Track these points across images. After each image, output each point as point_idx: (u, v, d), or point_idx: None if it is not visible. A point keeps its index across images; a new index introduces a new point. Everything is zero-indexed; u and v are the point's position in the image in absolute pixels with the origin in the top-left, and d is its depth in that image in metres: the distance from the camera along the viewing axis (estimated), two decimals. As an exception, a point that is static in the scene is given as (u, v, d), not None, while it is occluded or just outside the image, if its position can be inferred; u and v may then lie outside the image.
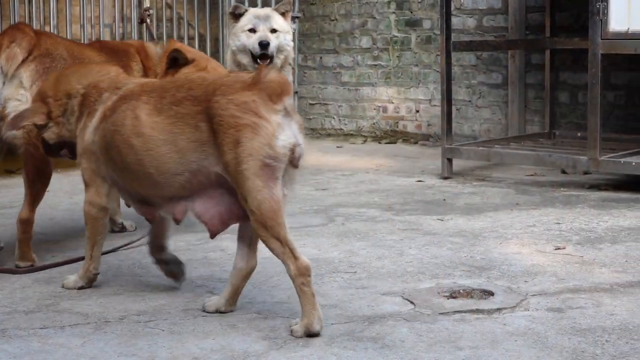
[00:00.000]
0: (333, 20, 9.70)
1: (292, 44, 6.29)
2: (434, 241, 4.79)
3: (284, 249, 3.32)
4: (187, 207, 3.60)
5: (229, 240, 4.82)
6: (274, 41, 6.10)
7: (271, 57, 6.15)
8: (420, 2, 9.04)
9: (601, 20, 6.04)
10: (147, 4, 8.21)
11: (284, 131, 3.35)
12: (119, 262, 4.41)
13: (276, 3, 7.90)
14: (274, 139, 3.31)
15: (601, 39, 6.06)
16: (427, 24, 9.01)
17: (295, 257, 3.31)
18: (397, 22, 9.23)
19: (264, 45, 6.04)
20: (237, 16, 6.23)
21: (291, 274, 3.32)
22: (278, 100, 3.36)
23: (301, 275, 3.31)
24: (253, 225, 3.38)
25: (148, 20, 7.52)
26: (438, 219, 5.36)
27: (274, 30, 6.16)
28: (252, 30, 6.14)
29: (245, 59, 6.18)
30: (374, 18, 9.40)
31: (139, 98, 3.65)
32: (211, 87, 3.47)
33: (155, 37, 7.91)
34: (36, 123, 3.97)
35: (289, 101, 3.39)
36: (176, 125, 3.50)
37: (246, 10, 6.24)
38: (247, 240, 3.57)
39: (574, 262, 4.32)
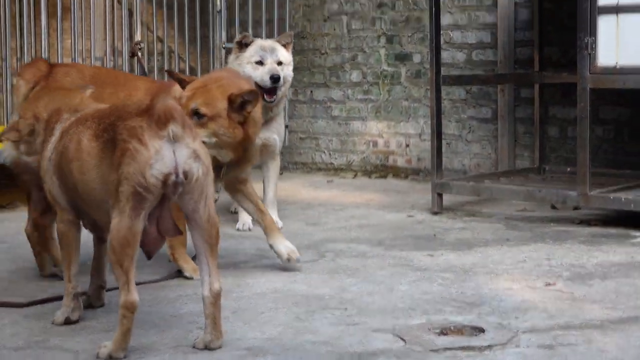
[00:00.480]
0: (323, 54, 9.74)
1: (292, 74, 6.37)
2: (424, 277, 4.79)
3: (123, 278, 3.46)
4: None
5: (219, 275, 4.82)
6: (281, 73, 6.17)
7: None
8: (410, 37, 9.09)
9: (590, 54, 6.07)
10: (138, 37, 8.24)
11: (162, 159, 3.42)
12: (108, 298, 4.39)
13: (268, 35, 7.94)
14: (147, 167, 3.40)
15: (590, 74, 6.09)
16: (416, 58, 9.05)
17: (128, 290, 3.46)
18: (387, 56, 9.28)
19: (275, 79, 6.11)
20: (243, 46, 6.26)
21: (120, 303, 3.47)
22: (163, 126, 3.42)
23: (125, 308, 3.46)
24: (108, 244, 3.51)
25: (139, 54, 7.57)
26: (428, 255, 5.37)
27: (279, 63, 6.21)
28: (260, 63, 6.18)
29: None
30: (364, 52, 9.44)
31: (85, 122, 3.74)
32: (119, 113, 3.59)
33: (146, 70, 7.95)
34: (9, 138, 4.12)
35: (175, 127, 3.43)
36: (103, 151, 3.57)
37: (253, 41, 6.28)
38: (206, 268, 3.61)
39: (564, 298, 4.32)
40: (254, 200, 5.05)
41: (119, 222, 3.44)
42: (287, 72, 6.25)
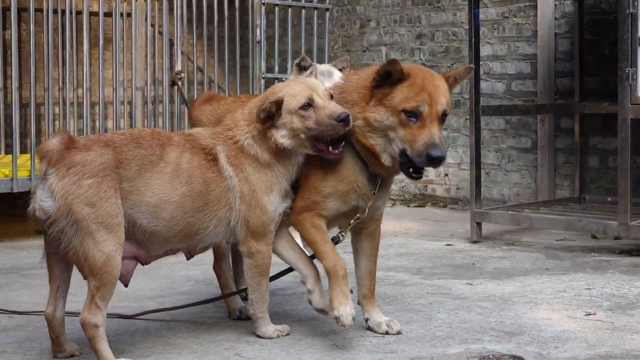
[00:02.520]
0: (362, 84, 9.75)
1: None
2: (463, 305, 4.76)
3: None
4: None
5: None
6: None
7: None
8: (449, 67, 9.10)
9: (630, 85, 6.04)
10: (178, 67, 8.31)
11: (34, 196, 3.69)
12: (146, 325, 4.41)
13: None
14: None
15: (630, 104, 6.06)
16: (456, 88, 9.03)
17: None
18: (426, 86, 9.27)
19: None
20: (302, 68, 6.45)
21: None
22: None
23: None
24: None
25: (179, 83, 7.63)
26: (467, 283, 5.34)
27: None
28: None
29: None
30: (403, 82, 9.45)
31: None
32: None
33: (187, 100, 8.01)
34: None
35: (41, 167, 3.66)
36: None
37: (311, 64, 6.43)
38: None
39: (605, 328, 4.27)
40: (373, 258, 4.32)
41: None
42: None
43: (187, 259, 4.21)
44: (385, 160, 3.95)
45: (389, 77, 3.88)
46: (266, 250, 4.00)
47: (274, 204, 3.96)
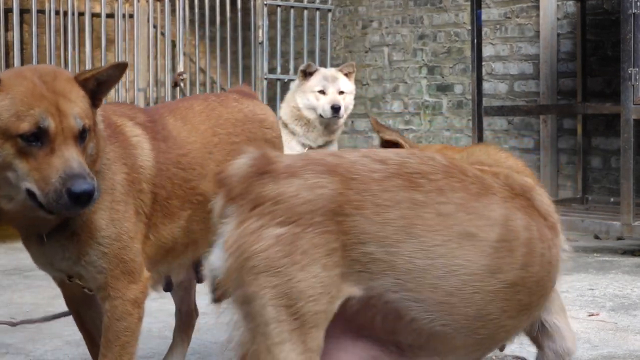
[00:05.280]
0: (365, 84, 9.76)
1: (353, 102, 6.63)
2: (465, 306, 4.75)
3: None
4: None
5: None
6: (342, 103, 6.42)
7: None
8: (451, 67, 9.09)
9: (633, 86, 6.04)
10: (180, 68, 8.31)
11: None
12: (148, 325, 4.40)
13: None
14: None
15: (633, 105, 6.05)
16: (458, 89, 9.05)
17: None
18: (429, 87, 9.28)
19: (336, 109, 6.36)
20: (307, 75, 6.51)
21: None
22: None
23: None
24: None
25: (182, 85, 7.64)
26: (470, 284, 5.33)
27: (341, 92, 6.45)
28: (322, 92, 6.43)
29: (312, 115, 6.48)
30: (406, 83, 9.46)
31: None
32: None
33: (188, 101, 8.00)
34: None
35: (217, 203, 2.39)
36: None
37: (316, 70, 6.49)
38: None
39: (607, 328, 4.26)
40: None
41: None
42: (348, 100, 6.52)
43: None
44: (7, 206, 2.62)
45: None
46: None
47: None
